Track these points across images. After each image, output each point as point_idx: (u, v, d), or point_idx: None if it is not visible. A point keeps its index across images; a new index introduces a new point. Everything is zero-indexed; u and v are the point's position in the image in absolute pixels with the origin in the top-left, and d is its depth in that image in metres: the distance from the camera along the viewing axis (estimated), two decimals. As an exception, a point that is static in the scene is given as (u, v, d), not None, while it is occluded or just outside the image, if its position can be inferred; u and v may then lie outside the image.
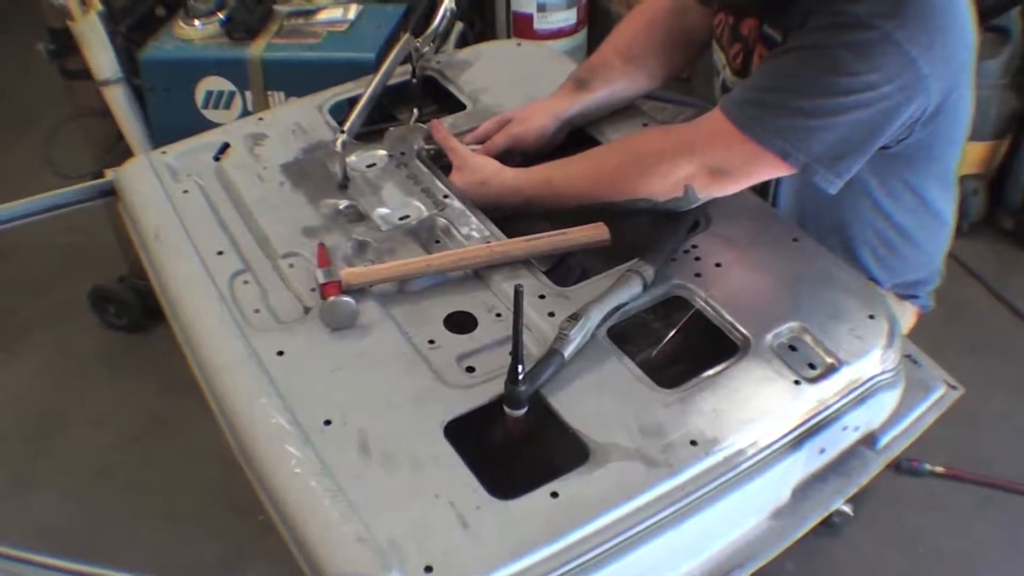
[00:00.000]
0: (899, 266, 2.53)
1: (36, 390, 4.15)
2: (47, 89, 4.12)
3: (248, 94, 3.34)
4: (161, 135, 3.33)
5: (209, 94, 3.36)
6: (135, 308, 4.24)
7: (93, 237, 4.36)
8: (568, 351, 1.93)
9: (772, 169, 2.17)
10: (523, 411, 1.88)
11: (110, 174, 2.62)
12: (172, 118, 3.38)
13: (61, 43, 3.50)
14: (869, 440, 2.06)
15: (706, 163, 2.18)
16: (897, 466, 3.53)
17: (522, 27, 5.23)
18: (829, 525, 3.36)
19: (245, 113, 3.34)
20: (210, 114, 3.39)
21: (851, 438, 2.03)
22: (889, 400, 2.04)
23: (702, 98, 3.61)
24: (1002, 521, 3.55)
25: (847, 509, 3.36)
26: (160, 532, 3.54)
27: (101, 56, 3.36)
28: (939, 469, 3.60)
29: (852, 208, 2.42)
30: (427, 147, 2.53)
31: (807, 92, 2.07)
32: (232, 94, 3.34)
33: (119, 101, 3.45)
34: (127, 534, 3.53)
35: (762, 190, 2.41)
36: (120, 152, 3.50)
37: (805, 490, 2.00)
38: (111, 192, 2.62)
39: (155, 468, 3.78)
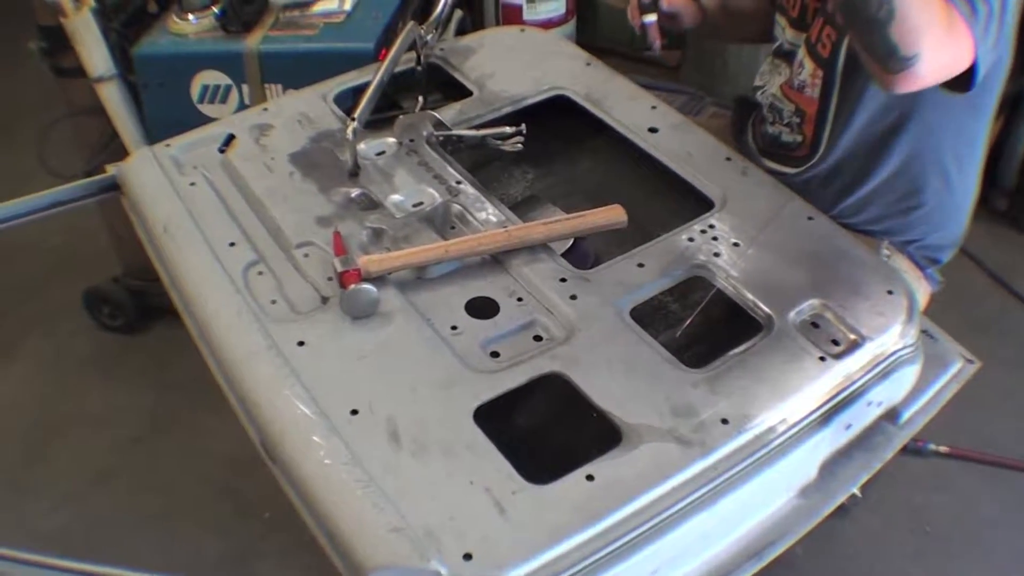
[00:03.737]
0: (941, 217, 2.55)
1: (31, 394, 4.10)
2: (37, 89, 4.08)
3: (245, 88, 3.30)
4: (156, 131, 3.28)
5: (205, 88, 3.32)
6: (130, 308, 4.20)
7: (85, 238, 4.33)
8: None
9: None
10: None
11: (111, 169, 2.59)
12: (167, 114, 3.33)
13: (53, 41, 3.45)
14: (891, 415, 2.07)
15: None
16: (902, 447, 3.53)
17: (511, 18, 5.20)
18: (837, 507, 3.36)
19: (242, 107, 3.30)
20: (206, 109, 3.34)
21: (875, 413, 2.03)
22: (910, 374, 2.05)
23: (692, 85, 3.60)
24: (1008, 499, 3.55)
25: (855, 490, 3.36)
26: (163, 533, 3.50)
27: (95, 53, 3.32)
28: (943, 449, 3.58)
29: (926, 139, 2.45)
30: (437, 133, 2.51)
31: None
32: (229, 88, 3.30)
33: (113, 98, 3.40)
34: (129, 536, 3.50)
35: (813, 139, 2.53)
36: (114, 150, 3.46)
37: (831, 467, 2.00)
38: (114, 187, 2.59)
39: (156, 469, 3.74)
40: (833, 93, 2.44)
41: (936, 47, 1.95)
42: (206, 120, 2.87)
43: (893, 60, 1.93)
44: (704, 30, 2.76)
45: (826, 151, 2.52)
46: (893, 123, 2.40)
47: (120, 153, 3.30)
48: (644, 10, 2.55)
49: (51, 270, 4.61)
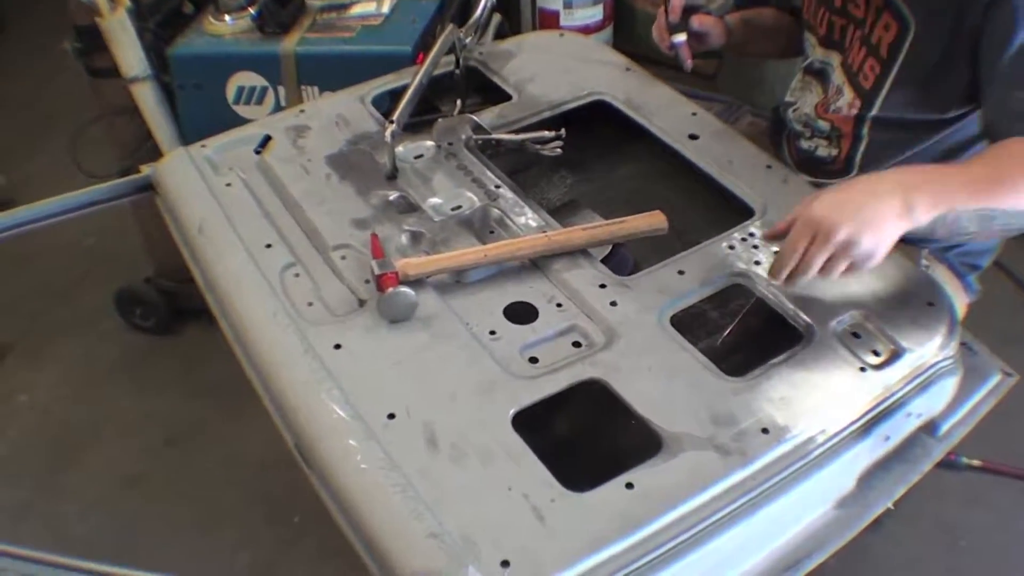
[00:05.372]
0: None
1: (62, 396, 4.10)
2: (71, 92, 4.08)
3: (281, 89, 3.29)
4: (191, 132, 3.28)
5: (241, 90, 3.31)
6: (162, 309, 4.19)
7: (117, 239, 4.32)
8: None
9: None
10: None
11: (146, 169, 2.58)
12: (202, 115, 3.34)
13: (88, 41, 3.44)
14: (929, 428, 2.04)
15: None
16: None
17: (548, 24, 5.21)
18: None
19: (278, 108, 3.30)
20: (242, 110, 3.34)
21: (913, 425, 2.01)
22: (949, 386, 2.03)
23: (729, 94, 3.58)
24: (1043, 514, 3.52)
25: (889, 503, 3.34)
26: (193, 538, 3.49)
27: (130, 53, 3.32)
28: (976, 463, 3.56)
29: (964, 147, 2.44)
30: (475, 137, 2.49)
31: None
32: (265, 89, 3.30)
33: (148, 98, 3.41)
34: (159, 541, 3.48)
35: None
36: (147, 151, 3.46)
37: (868, 479, 1.98)
38: (148, 187, 2.58)
39: (186, 474, 3.73)
40: (868, 119, 2.44)
41: None
42: (241, 121, 2.85)
43: None
44: (730, 47, 2.75)
45: (862, 164, 2.51)
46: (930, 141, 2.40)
47: (154, 154, 3.31)
48: (673, 30, 2.55)
49: (84, 271, 4.61)
